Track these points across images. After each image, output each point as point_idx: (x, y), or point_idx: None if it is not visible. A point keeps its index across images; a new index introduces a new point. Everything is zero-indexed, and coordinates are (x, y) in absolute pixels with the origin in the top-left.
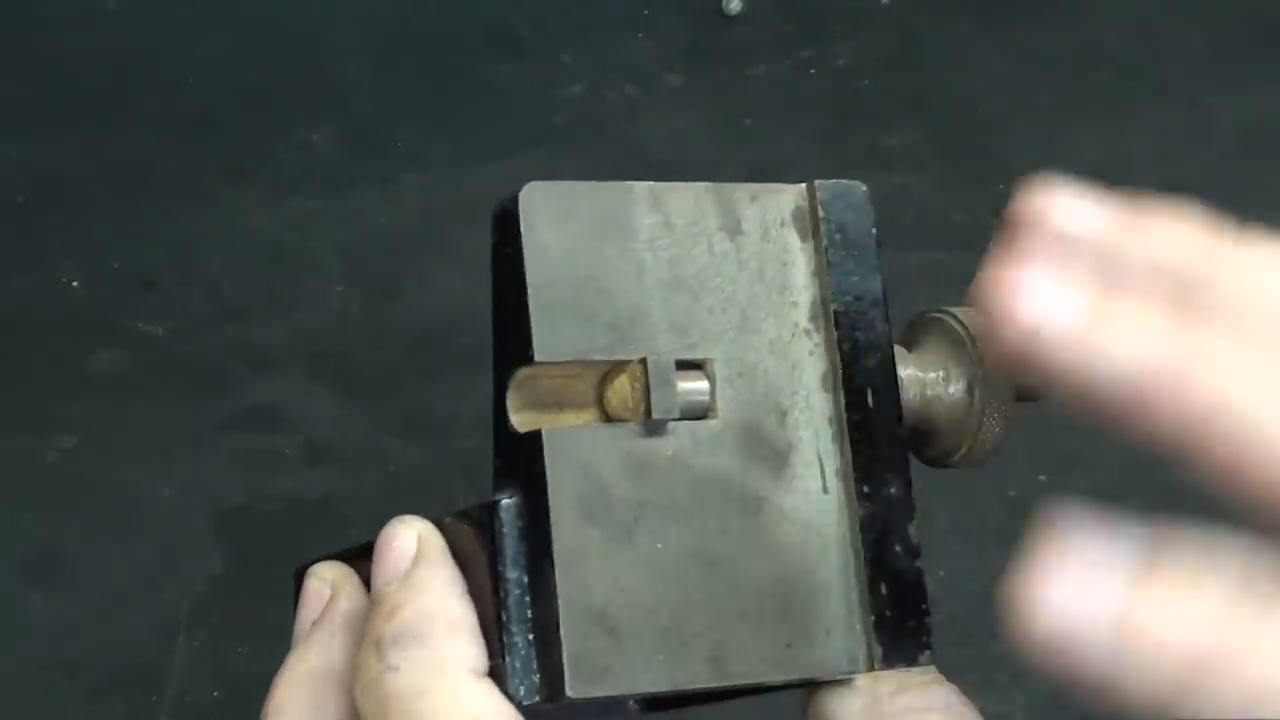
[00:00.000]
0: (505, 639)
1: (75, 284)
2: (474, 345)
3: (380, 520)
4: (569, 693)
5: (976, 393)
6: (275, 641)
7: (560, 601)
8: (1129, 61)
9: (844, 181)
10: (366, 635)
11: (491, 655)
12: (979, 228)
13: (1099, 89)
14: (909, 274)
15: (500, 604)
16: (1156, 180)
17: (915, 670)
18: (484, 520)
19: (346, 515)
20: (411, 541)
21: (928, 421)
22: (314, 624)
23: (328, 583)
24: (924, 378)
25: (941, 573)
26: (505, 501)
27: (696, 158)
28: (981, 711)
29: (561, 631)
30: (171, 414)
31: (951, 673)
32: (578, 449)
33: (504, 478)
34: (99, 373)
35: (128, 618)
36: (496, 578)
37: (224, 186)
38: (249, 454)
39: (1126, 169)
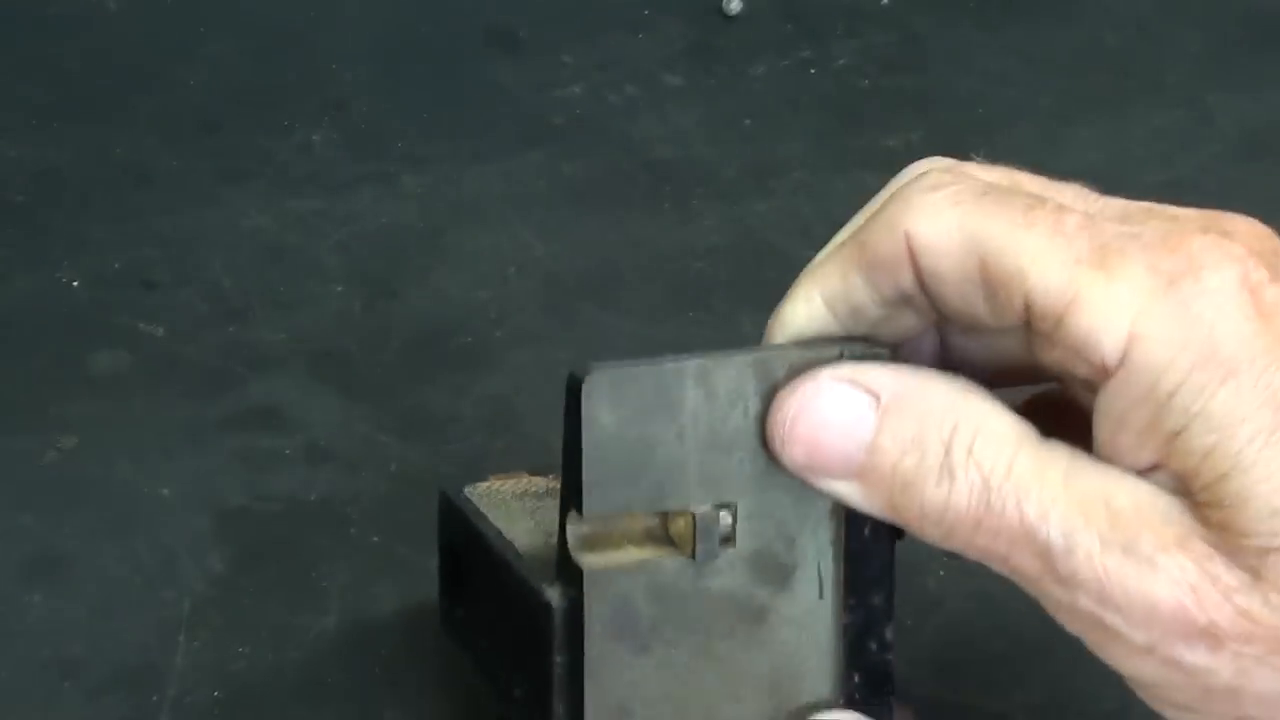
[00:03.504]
0: (550, 706)
1: (75, 284)
2: (474, 345)
3: (380, 520)
4: None
5: None
6: (275, 641)
7: (587, 700)
8: (1129, 61)
9: (873, 349)
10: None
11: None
12: None
13: (1099, 89)
14: None
15: (547, 677)
16: (1156, 180)
17: None
18: (541, 613)
19: (346, 515)
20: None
21: None
22: None
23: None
24: None
25: (942, 573)
26: (558, 604)
27: (696, 157)
28: (982, 711)
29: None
30: (171, 414)
31: (951, 672)
32: (610, 581)
33: (563, 569)
34: (99, 373)
35: (128, 618)
36: (549, 658)
37: (224, 186)
38: (249, 454)
39: (1126, 169)
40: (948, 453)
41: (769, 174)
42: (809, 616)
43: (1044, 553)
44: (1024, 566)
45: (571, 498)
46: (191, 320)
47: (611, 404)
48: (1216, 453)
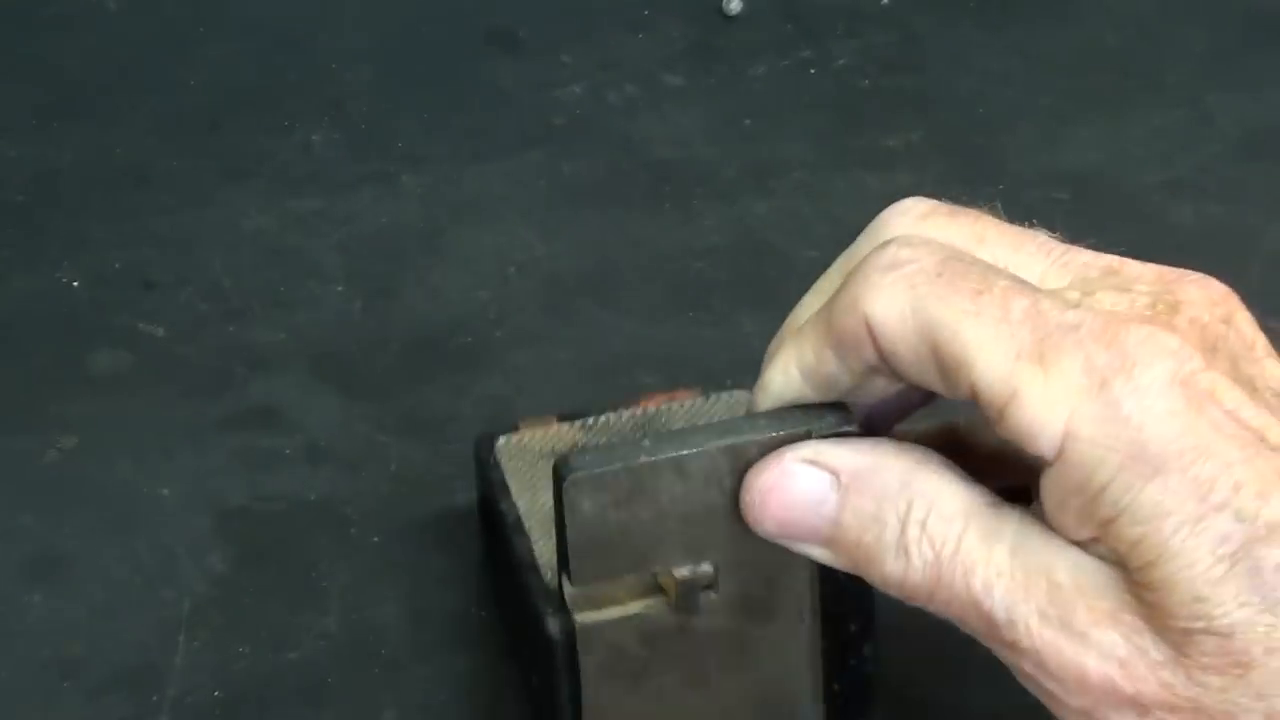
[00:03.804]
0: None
1: (75, 284)
2: (474, 345)
3: (380, 520)
4: None
5: None
6: (275, 641)
7: None
8: (1129, 61)
9: (843, 422)
10: None
11: None
12: None
13: (1099, 89)
14: None
15: (552, 694)
16: (1156, 180)
17: None
18: (545, 640)
19: (346, 515)
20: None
21: None
22: None
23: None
24: None
25: None
26: (559, 639)
27: (696, 157)
28: (980, 711)
29: None
30: (171, 414)
31: (950, 672)
32: (603, 632)
33: (562, 609)
34: (99, 373)
35: (128, 618)
36: (553, 680)
37: (224, 186)
38: (249, 454)
39: (1126, 169)
40: (903, 530)
41: (769, 174)
42: (791, 642)
43: (989, 622)
44: (976, 631)
45: (563, 567)
46: (191, 320)
47: (591, 497)
48: (1144, 543)
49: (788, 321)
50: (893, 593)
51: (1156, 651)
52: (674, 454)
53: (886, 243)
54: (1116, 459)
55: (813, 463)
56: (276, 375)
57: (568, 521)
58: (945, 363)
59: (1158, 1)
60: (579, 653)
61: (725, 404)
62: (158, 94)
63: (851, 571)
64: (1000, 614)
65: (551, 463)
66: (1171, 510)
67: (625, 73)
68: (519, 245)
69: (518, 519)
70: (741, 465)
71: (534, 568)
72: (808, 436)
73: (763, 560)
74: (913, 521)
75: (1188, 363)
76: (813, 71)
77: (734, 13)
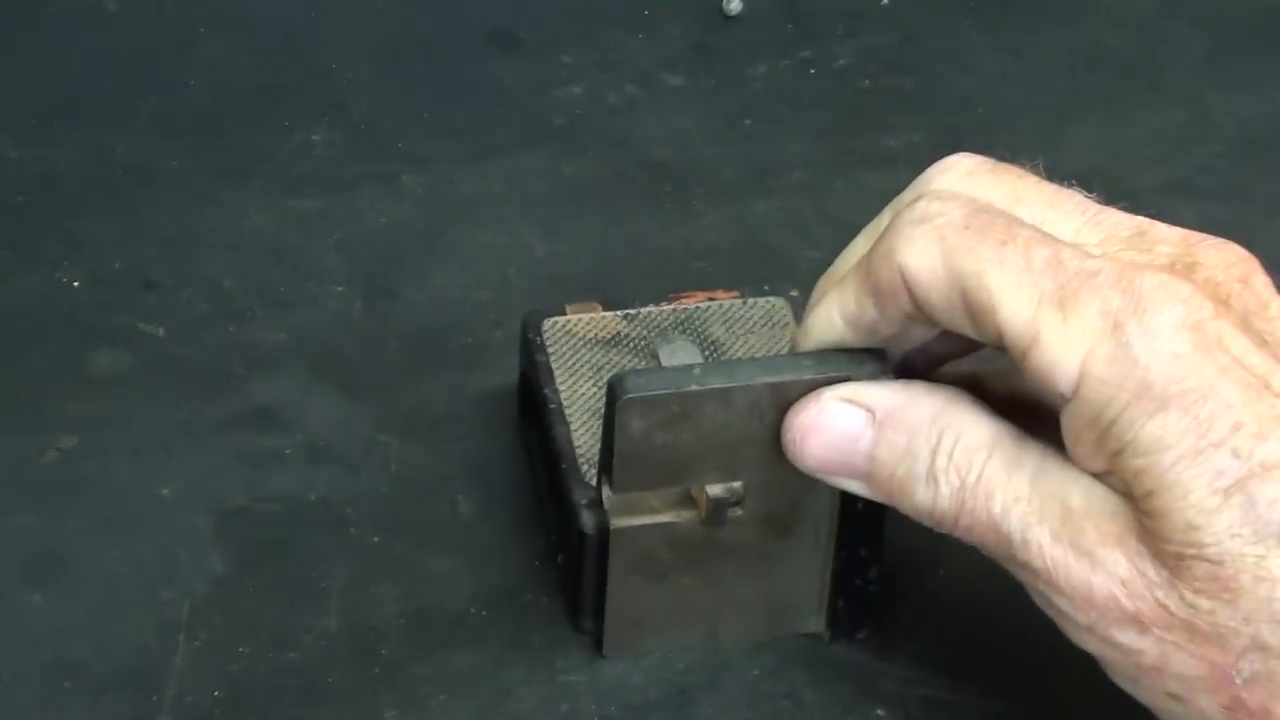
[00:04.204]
0: (581, 604)
1: (75, 284)
2: (474, 345)
3: (380, 520)
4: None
5: None
6: (275, 641)
7: (606, 613)
8: (1129, 61)
9: (879, 370)
10: None
11: (579, 620)
12: None
13: (1099, 89)
14: None
15: (578, 579)
16: (1156, 180)
17: None
18: (576, 532)
19: (346, 515)
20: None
21: None
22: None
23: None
24: None
25: (942, 573)
26: (591, 534)
27: (696, 157)
28: (982, 711)
29: (605, 626)
30: (171, 414)
31: (951, 672)
32: (635, 535)
33: (596, 507)
34: (99, 373)
35: (128, 618)
36: (581, 570)
37: (224, 186)
38: (249, 454)
39: (1126, 169)
40: (932, 460)
41: (769, 174)
42: (804, 559)
43: (1007, 543)
44: (995, 553)
45: (605, 474)
46: (191, 320)
47: (642, 417)
48: (1145, 474)
49: (833, 266)
50: (924, 521)
51: (1155, 574)
52: (722, 385)
53: (918, 197)
54: (1125, 396)
55: (850, 401)
56: (276, 375)
57: (616, 437)
58: (973, 308)
59: (1158, 1)
60: (610, 551)
61: (762, 309)
62: (158, 94)
63: (886, 503)
64: (1016, 535)
65: (594, 351)
66: (1171, 444)
67: (625, 73)
68: (519, 245)
69: (560, 407)
70: (783, 401)
71: (573, 459)
72: (847, 380)
73: (790, 485)
74: (941, 451)
75: (1198, 310)
76: (813, 71)
77: (734, 13)
